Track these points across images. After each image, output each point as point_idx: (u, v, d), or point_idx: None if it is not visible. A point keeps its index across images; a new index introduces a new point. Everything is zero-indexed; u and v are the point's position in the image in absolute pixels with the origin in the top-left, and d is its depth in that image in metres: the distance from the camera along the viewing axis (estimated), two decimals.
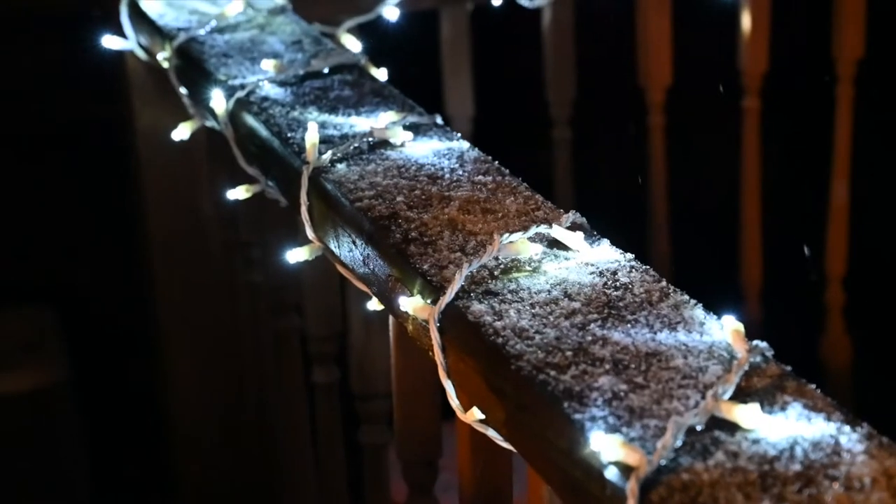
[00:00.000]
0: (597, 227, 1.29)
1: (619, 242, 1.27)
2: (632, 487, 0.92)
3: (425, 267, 1.22)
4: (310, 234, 1.45)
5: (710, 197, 3.47)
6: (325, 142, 1.52)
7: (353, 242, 1.35)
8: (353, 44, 2.34)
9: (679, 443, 0.95)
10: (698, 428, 0.97)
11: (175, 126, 1.92)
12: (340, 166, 1.46)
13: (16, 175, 3.32)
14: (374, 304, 1.41)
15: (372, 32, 2.41)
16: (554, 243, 1.25)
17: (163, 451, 2.74)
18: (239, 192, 1.71)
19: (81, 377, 3.12)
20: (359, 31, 2.37)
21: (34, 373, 3.03)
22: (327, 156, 1.47)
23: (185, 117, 1.93)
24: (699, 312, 1.13)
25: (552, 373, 1.04)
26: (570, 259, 1.22)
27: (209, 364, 2.41)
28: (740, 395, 1.01)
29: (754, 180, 2.89)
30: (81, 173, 3.34)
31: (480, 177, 1.41)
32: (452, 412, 1.18)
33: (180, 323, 2.44)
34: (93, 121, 3.21)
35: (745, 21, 2.75)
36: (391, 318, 1.45)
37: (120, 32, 2.20)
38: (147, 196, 2.40)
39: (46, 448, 3.04)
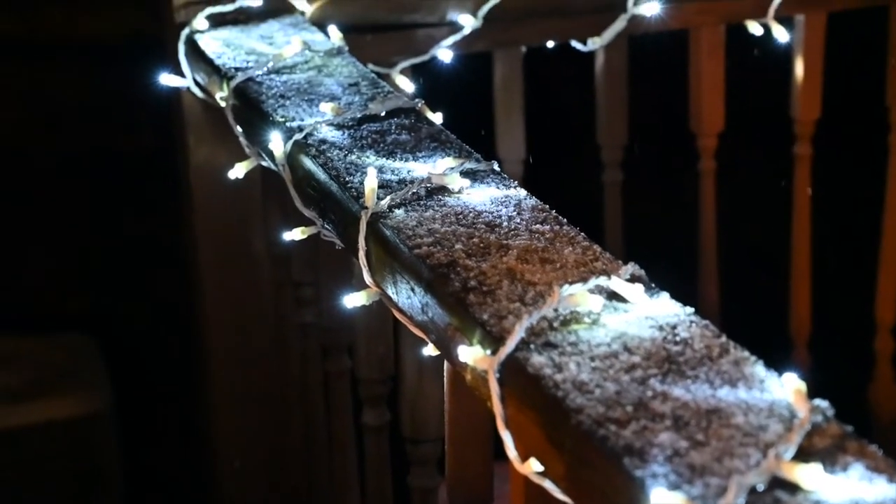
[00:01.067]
0: (645, 269, 1.30)
1: (668, 286, 1.27)
2: None
3: (485, 317, 1.22)
4: (368, 279, 1.46)
5: (759, 242, 3.46)
6: (383, 186, 1.53)
7: (412, 290, 1.36)
8: (406, 84, 2.36)
9: (741, 502, 0.95)
10: (759, 487, 0.97)
11: (229, 163, 1.94)
12: (398, 212, 1.47)
13: (62, 201, 3.35)
14: (430, 350, 1.42)
15: (424, 73, 2.43)
16: (613, 295, 1.25)
17: (205, 487, 2.75)
18: (295, 234, 1.72)
19: (122, 407, 3.14)
20: (412, 72, 2.40)
21: (73, 400, 3.05)
22: (386, 201, 1.48)
23: (240, 155, 1.94)
24: (759, 369, 1.12)
25: (612, 428, 1.04)
26: (629, 312, 1.22)
27: (256, 402, 2.42)
28: (801, 455, 1.01)
29: (804, 226, 2.88)
30: (130, 203, 3.37)
31: (538, 225, 1.41)
32: (502, 451, 1.18)
33: (227, 359, 2.44)
34: (146, 150, 3.25)
35: (798, 67, 2.75)
36: (446, 364, 1.45)
37: (178, 66, 2.22)
38: (198, 231, 2.41)
39: (83, 477, 3.06)
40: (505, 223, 1.42)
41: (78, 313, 3.37)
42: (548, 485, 1.13)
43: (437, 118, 1.81)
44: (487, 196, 1.50)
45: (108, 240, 3.39)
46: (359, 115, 1.77)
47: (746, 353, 1.14)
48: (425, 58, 2.41)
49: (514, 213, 1.45)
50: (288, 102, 1.86)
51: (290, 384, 2.37)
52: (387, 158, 1.63)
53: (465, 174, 1.54)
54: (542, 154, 2.84)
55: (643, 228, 3.06)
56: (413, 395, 1.85)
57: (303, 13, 2.29)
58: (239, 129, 1.94)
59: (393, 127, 1.74)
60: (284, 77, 1.96)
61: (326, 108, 1.79)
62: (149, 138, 3.19)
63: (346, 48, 2.09)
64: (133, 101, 2.83)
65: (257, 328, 2.39)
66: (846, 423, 1.05)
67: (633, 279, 1.26)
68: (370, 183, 1.49)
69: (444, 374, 1.48)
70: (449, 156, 1.61)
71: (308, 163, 1.67)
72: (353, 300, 1.48)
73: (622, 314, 1.22)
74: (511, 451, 1.16)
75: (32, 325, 3.31)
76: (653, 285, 1.27)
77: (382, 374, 2.00)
